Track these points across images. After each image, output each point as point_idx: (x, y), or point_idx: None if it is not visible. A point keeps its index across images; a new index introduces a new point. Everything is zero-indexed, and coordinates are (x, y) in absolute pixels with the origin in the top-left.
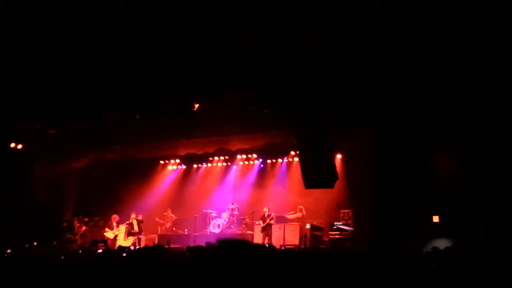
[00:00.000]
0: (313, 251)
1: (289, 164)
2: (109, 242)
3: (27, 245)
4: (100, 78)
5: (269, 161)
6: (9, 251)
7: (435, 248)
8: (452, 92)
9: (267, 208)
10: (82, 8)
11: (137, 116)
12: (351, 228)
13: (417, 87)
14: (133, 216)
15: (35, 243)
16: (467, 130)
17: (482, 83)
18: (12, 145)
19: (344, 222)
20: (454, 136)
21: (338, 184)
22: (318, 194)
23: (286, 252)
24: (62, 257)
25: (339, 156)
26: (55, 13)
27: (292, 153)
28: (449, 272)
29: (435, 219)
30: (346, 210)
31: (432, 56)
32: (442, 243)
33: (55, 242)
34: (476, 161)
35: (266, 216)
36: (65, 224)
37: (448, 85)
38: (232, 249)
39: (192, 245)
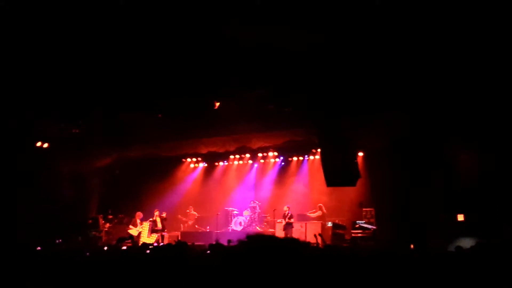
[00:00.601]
0: (335, 249)
1: (311, 162)
2: (134, 239)
3: (57, 240)
4: (122, 78)
5: (290, 159)
6: (39, 248)
7: (459, 248)
8: (472, 89)
9: (287, 207)
10: (103, 7)
11: (159, 115)
12: (374, 227)
13: (438, 85)
14: (156, 213)
15: (59, 240)
16: (490, 127)
17: (502, 80)
18: (38, 144)
19: (367, 220)
20: (477, 134)
21: (360, 182)
22: (340, 192)
23: (308, 249)
24: (88, 253)
25: (360, 154)
26: (74, 12)
27: (314, 151)
28: (474, 272)
29: (460, 217)
30: (368, 209)
31: (451, 53)
32: (467, 242)
33: (80, 238)
34: (500, 158)
35: (286, 214)
36: (90, 221)
37: (468, 82)
38: (261, 244)
39: (214, 243)
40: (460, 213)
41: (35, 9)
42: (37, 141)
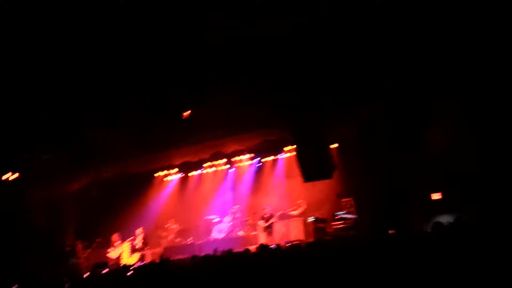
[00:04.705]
0: (317, 244)
1: (286, 160)
2: (113, 262)
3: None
4: (83, 97)
5: (265, 159)
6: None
7: (437, 223)
8: (438, 71)
9: (267, 208)
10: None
11: (124, 132)
12: (354, 216)
13: (405, 69)
14: (137, 231)
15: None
16: (460, 105)
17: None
18: (6, 176)
19: (347, 210)
20: (451, 111)
21: (336, 174)
22: (318, 186)
23: (292, 249)
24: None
25: (334, 145)
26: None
27: (288, 148)
28: (453, 247)
29: (437, 196)
30: (347, 199)
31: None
32: (445, 219)
33: (61, 271)
34: (471, 137)
35: (267, 216)
36: (68, 248)
37: (441, 57)
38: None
39: (197, 254)
40: (436, 192)
41: None
42: (6, 173)
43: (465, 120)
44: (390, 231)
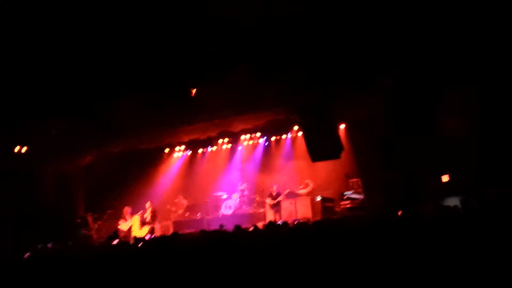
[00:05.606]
0: (325, 223)
1: (294, 139)
2: (123, 234)
3: (49, 245)
4: (95, 73)
5: (273, 138)
6: (28, 254)
7: (444, 206)
8: (452, 56)
9: (275, 186)
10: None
11: (135, 108)
12: (361, 197)
13: (419, 51)
14: (147, 205)
15: (49, 245)
16: (473, 90)
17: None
18: (17, 149)
19: (354, 191)
20: (463, 93)
21: (345, 154)
22: (326, 166)
23: (299, 226)
24: (78, 254)
25: (342, 126)
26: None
27: (296, 128)
28: (458, 230)
29: (445, 178)
30: (355, 179)
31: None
32: (452, 202)
33: (70, 243)
34: (482, 122)
35: (275, 194)
36: (79, 220)
37: (449, 48)
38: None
39: (205, 229)
40: (445, 175)
41: None
42: (15, 146)
43: (476, 103)
44: (398, 212)
